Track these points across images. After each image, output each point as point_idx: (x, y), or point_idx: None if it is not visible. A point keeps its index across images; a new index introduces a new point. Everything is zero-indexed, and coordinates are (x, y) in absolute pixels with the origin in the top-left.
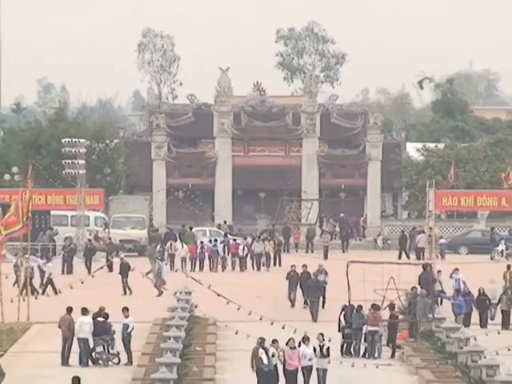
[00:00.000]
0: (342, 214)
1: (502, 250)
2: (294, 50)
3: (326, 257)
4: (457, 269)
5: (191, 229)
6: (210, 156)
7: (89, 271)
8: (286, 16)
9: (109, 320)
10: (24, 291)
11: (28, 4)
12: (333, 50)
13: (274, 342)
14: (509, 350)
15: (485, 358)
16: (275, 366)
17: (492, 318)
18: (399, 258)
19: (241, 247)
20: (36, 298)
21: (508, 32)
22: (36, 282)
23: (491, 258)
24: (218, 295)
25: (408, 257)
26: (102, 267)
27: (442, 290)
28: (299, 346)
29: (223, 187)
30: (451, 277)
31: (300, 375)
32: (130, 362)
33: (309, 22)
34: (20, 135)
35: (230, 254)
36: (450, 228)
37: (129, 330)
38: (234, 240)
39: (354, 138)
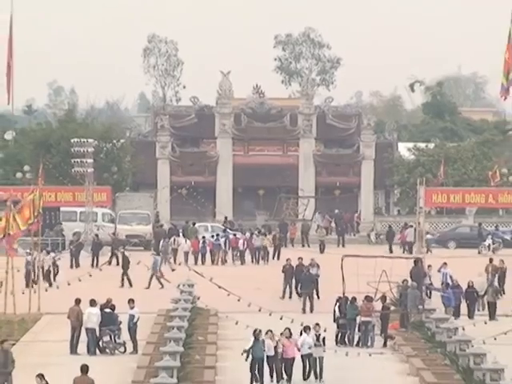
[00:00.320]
0: (336, 211)
1: (489, 245)
2: (292, 54)
3: (321, 251)
4: (445, 263)
5: (194, 224)
6: (212, 155)
7: (96, 265)
8: (284, 22)
9: (115, 311)
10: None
11: (38, 13)
12: (328, 54)
13: (268, 332)
14: (495, 339)
15: (472, 347)
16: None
17: (479, 309)
18: (390, 251)
19: (241, 241)
20: (46, 290)
21: (494, 38)
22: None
23: (479, 252)
24: (219, 287)
25: (391, 251)
26: (109, 262)
27: (431, 284)
28: (300, 335)
29: (224, 185)
30: (439, 271)
31: (299, 363)
32: (135, 350)
33: (305, 28)
34: (31, 136)
35: (230, 249)
36: (440, 223)
37: (134, 321)
38: (234, 235)
39: (348, 138)
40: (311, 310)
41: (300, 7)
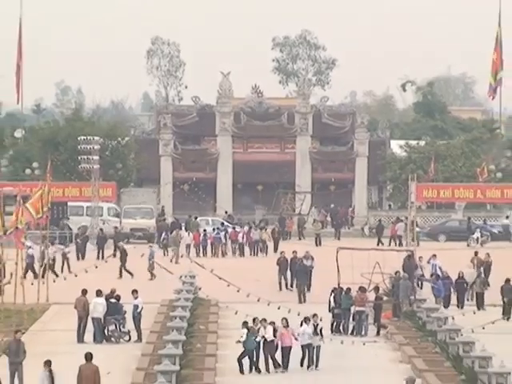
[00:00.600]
0: (332, 205)
1: (478, 238)
2: (289, 56)
3: (317, 244)
4: (434, 255)
5: (196, 218)
6: (213, 152)
7: (102, 257)
8: (282, 25)
9: (120, 301)
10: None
11: (47, 16)
12: (324, 56)
13: (262, 321)
14: (483, 328)
15: (461, 335)
16: (258, 342)
17: (469, 299)
18: (378, 244)
19: (240, 235)
20: (54, 281)
21: (483, 40)
22: (57, 266)
23: (467, 245)
24: (220, 279)
25: (381, 243)
26: (113, 254)
27: (422, 275)
28: (301, 325)
29: (224, 181)
30: (428, 262)
31: (298, 352)
32: (139, 339)
33: (302, 30)
34: (40, 133)
35: (230, 241)
36: (430, 218)
37: (138, 310)
38: (234, 228)
39: (343, 136)
40: (304, 301)
41: (297, 11)
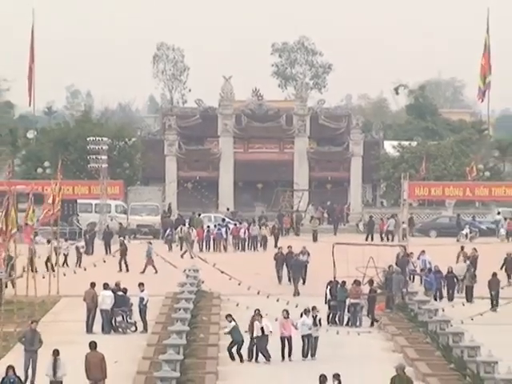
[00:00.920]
0: (328, 203)
1: (467, 234)
2: (287, 61)
3: (314, 239)
4: (423, 251)
5: (199, 215)
6: (215, 152)
7: (109, 252)
8: (280, 32)
9: (127, 294)
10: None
11: (58, 21)
12: (321, 61)
13: (255, 315)
14: (472, 319)
15: (451, 326)
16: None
17: (459, 292)
18: (366, 239)
19: (242, 230)
20: (64, 275)
21: (472, 46)
22: (72, 260)
23: (457, 240)
24: (222, 272)
25: (371, 239)
26: (120, 249)
27: (414, 269)
28: (301, 316)
29: (226, 179)
30: (418, 258)
31: (299, 342)
32: (145, 329)
33: (300, 36)
34: (51, 134)
35: (231, 237)
36: (422, 214)
37: (144, 303)
38: (235, 224)
39: (338, 136)
40: (298, 293)
41: (295, 19)
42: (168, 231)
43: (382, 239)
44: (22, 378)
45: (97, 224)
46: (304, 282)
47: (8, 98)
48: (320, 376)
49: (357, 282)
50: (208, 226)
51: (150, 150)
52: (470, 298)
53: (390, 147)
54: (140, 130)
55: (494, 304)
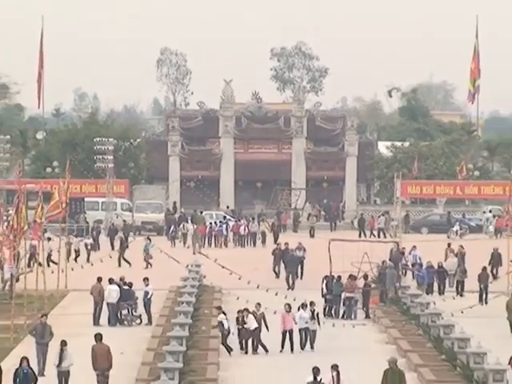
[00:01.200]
0: (325, 201)
1: (457, 230)
2: (286, 65)
3: (312, 236)
4: (414, 246)
5: (201, 212)
6: (216, 153)
7: (112, 248)
8: (279, 37)
9: (132, 288)
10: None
11: (65, 27)
12: (317, 65)
13: (244, 310)
14: (462, 312)
15: (442, 319)
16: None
17: (452, 285)
18: (359, 236)
19: (242, 227)
20: (72, 270)
21: (462, 51)
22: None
23: (448, 237)
24: (223, 267)
25: (363, 235)
26: (126, 246)
27: (406, 264)
28: (298, 310)
29: (227, 178)
30: (410, 253)
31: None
32: (149, 322)
33: (297, 42)
34: (59, 135)
35: (232, 233)
36: (414, 212)
37: (149, 296)
38: (236, 221)
39: (334, 137)
40: (292, 288)
41: (293, 24)
42: (172, 228)
43: (371, 235)
44: (35, 370)
45: (103, 221)
46: (301, 277)
47: (18, 100)
48: (313, 368)
49: (352, 277)
50: (210, 223)
51: (154, 151)
52: (460, 292)
53: (383, 148)
54: (144, 132)
55: (484, 297)
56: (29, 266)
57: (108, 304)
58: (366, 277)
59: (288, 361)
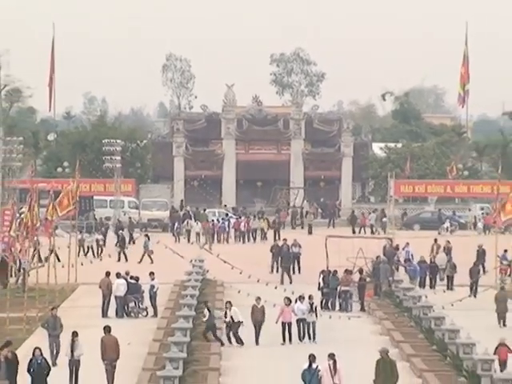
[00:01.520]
0: (322, 199)
1: (447, 227)
2: (284, 70)
3: (309, 232)
4: (407, 243)
5: (204, 210)
6: (219, 153)
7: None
8: (278, 44)
9: (139, 282)
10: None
11: (75, 34)
12: (315, 70)
13: (227, 303)
14: (452, 305)
15: (433, 311)
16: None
17: (443, 279)
18: (353, 233)
19: (242, 224)
20: (82, 265)
21: (452, 57)
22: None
23: (438, 233)
24: (225, 262)
25: (353, 232)
26: (133, 242)
27: (398, 260)
28: (295, 302)
29: (229, 178)
30: (403, 249)
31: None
32: (155, 314)
33: (296, 48)
34: (70, 137)
35: (233, 230)
36: (406, 209)
37: (154, 290)
38: (237, 219)
39: (331, 139)
40: (290, 282)
41: (291, 32)
42: (176, 225)
43: (360, 232)
44: (48, 360)
45: (111, 218)
46: (299, 272)
47: (31, 103)
48: (309, 356)
49: (347, 271)
50: (212, 220)
51: (159, 151)
52: (450, 285)
53: (377, 149)
54: (150, 133)
55: (474, 290)
56: (40, 261)
57: (116, 297)
58: (360, 271)
59: (287, 351)
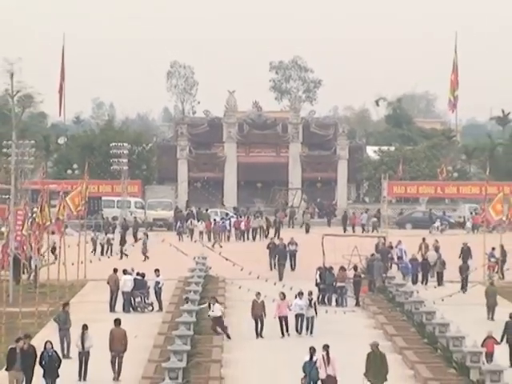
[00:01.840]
0: (318, 200)
1: (438, 226)
2: (283, 77)
3: (307, 231)
4: (400, 241)
5: (207, 210)
6: (221, 156)
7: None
8: (277, 52)
9: (145, 278)
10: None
11: (85, 41)
12: (312, 77)
13: (212, 297)
14: (442, 300)
15: (425, 306)
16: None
17: (434, 275)
18: (344, 231)
19: (242, 223)
20: (91, 262)
21: (442, 64)
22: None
23: (429, 232)
24: (226, 259)
25: (345, 230)
26: (140, 239)
27: (392, 258)
28: (295, 298)
29: (230, 179)
30: (396, 247)
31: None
32: (160, 309)
33: (294, 56)
34: (79, 141)
35: (234, 229)
36: (399, 209)
37: (160, 286)
38: (237, 218)
39: (327, 142)
40: (280, 278)
41: (289, 40)
42: (179, 224)
43: (353, 231)
44: (59, 352)
45: (118, 217)
46: (294, 268)
47: (42, 109)
48: (310, 348)
49: (343, 268)
50: (214, 219)
51: (164, 154)
52: (440, 281)
53: (371, 152)
54: (156, 137)
55: (464, 286)
56: (55, 258)
57: (123, 293)
58: (355, 268)
59: (286, 344)
